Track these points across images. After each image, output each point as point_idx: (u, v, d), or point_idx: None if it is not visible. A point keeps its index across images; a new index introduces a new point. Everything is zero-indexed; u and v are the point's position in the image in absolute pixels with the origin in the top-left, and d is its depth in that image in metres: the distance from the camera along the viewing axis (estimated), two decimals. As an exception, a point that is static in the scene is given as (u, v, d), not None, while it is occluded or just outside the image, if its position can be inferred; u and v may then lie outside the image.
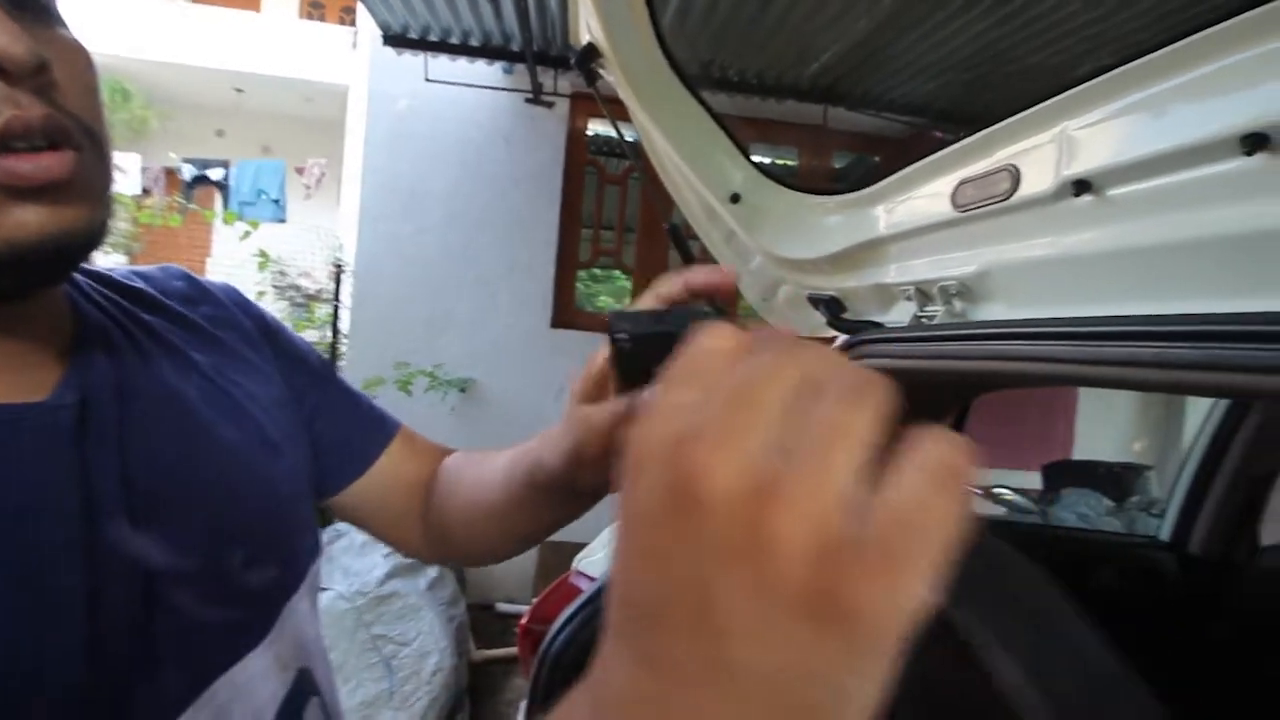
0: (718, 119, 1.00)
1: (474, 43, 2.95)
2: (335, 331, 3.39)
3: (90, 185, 0.36)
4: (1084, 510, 2.42)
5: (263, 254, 3.47)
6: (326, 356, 3.31)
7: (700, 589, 0.17)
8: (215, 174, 4.46)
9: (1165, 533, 1.43)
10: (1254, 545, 1.37)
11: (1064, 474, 2.72)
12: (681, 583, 0.17)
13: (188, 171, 4.47)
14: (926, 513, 0.16)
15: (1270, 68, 0.45)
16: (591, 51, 0.98)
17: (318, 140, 5.54)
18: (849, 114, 3.09)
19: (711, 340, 0.20)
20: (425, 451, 0.58)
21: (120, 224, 3.67)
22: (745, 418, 0.17)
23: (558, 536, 0.52)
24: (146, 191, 4.34)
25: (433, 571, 2.52)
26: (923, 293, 0.86)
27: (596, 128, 3.44)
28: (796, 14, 2.32)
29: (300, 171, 4.65)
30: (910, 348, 0.80)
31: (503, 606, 3.13)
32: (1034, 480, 2.79)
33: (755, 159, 1.02)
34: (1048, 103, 0.62)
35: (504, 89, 3.28)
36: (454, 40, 2.95)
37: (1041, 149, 0.64)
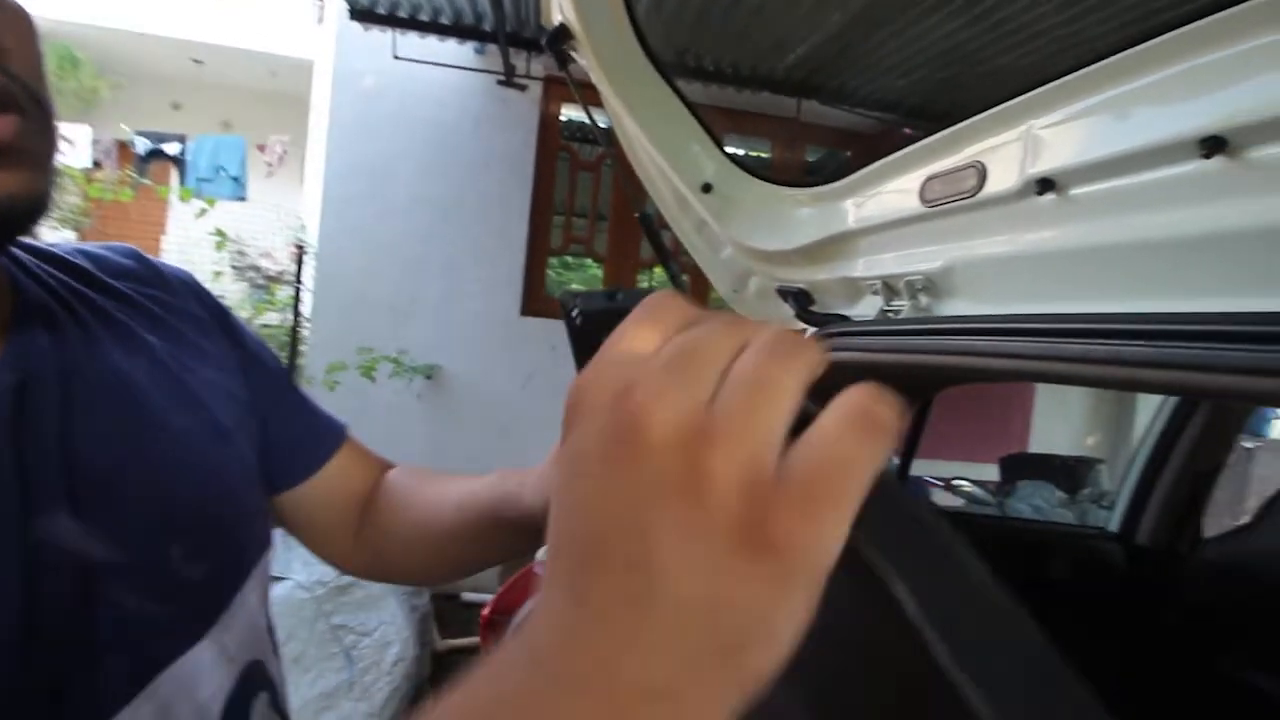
0: (691, 107, 0.99)
1: (444, 20, 2.88)
2: (297, 315, 3.30)
3: (33, 151, 0.34)
4: (1038, 502, 2.50)
5: (220, 233, 3.35)
6: (287, 339, 3.23)
7: (637, 527, 0.18)
8: (171, 148, 4.29)
9: (1115, 524, 1.48)
10: (1197, 537, 1.43)
11: (1021, 466, 2.81)
12: (619, 521, 0.18)
13: (141, 145, 4.30)
14: (845, 454, 0.18)
15: (1229, 73, 0.46)
16: (564, 33, 0.96)
17: (281, 116, 5.35)
18: (822, 108, 3.11)
19: (657, 303, 0.21)
20: (369, 464, 0.57)
21: (69, 198, 3.51)
22: (685, 371, 0.19)
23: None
24: (97, 165, 4.15)
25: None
26: (889, 287, 0.87)
27: (570, 113, 3.40)
28: (773, 6, 2.32)
29: (262, 149, 4.51)
30: (875, 341, 0.81)
31: (469, 595, 3.11)
32: (993, 473, 2.88)
33: (728, 150, 1.01)
34: (1014, 101, 0.63)
35: (475, 69, 3.21)
36: (423, 17, 2.87)
37: (1008, 147, 0.65)
